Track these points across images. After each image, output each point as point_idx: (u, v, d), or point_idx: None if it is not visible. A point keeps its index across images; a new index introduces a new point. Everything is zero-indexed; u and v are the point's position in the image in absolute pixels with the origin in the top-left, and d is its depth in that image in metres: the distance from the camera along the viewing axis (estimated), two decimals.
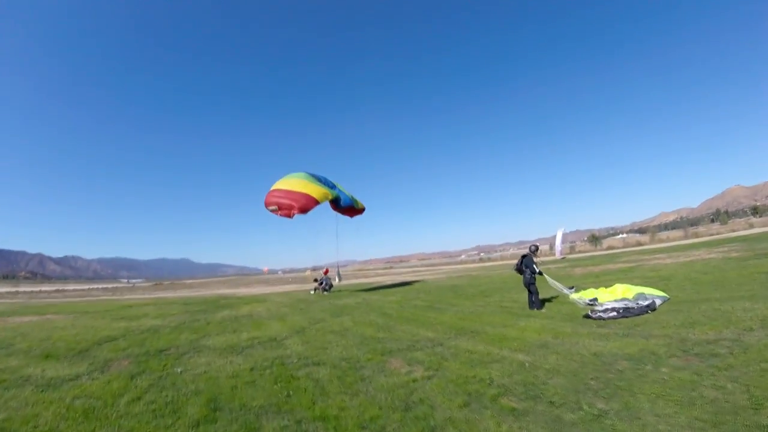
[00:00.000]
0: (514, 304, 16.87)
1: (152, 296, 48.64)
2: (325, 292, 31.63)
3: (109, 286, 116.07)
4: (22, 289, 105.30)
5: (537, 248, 16.47)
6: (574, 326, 11.44)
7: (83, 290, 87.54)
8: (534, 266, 15.35)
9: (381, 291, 30.72)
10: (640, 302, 12.96)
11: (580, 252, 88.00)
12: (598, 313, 12.43)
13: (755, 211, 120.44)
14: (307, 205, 25.32)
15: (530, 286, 15.19)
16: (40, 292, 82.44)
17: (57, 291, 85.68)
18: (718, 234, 72.01)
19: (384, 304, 20.31)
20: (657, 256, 35.71)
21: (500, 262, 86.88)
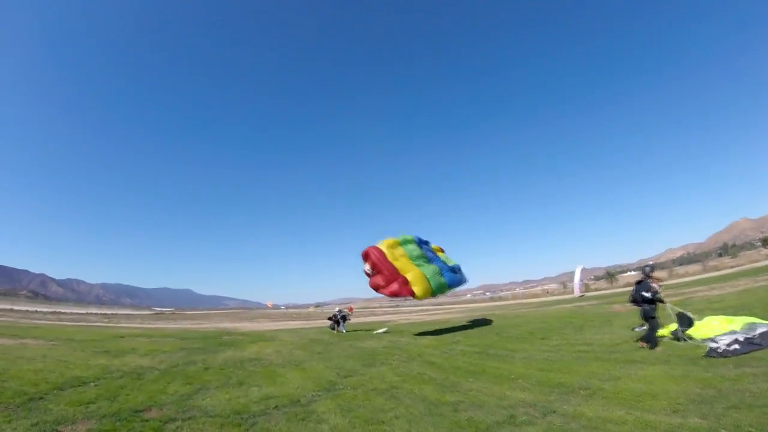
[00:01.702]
0: (588, 347, 14.14)
1: (150, 326, 45.02)
2: (338, 331, 28.15)
3: (108, 312, 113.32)
4: (18, 307, 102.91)
5: (653, 268, 13.24)
6: (713, 369, 9.31)
7: (80, 314, 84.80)
8: (653, 292, 12.55)
9: (404, 332, 26.84)
10: (759, 331, 10.83)
11: (596, 290, 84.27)
12: (723, 348, 10.48)
13: (765, 242, 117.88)
14: (399, 293, 22.04)
15: (651, 320, 12.54)
16: (36, 312, 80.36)
17: (53, 313, 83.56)
18: (739, 266, 68.68)
19: (421, 350, 16.84)
20: (697, 288, 33.62)
21: (513, 301, 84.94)
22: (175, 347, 19.48)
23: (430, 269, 23.00)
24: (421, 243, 25.37)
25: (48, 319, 53.13)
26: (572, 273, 71.92)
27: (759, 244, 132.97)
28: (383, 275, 22.00)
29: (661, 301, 12.96)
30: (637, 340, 12.94)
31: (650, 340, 12.43)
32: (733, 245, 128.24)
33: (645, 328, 15.47)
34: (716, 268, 78.47)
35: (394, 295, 21.51)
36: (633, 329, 16.32)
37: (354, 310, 32.03)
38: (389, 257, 22.32)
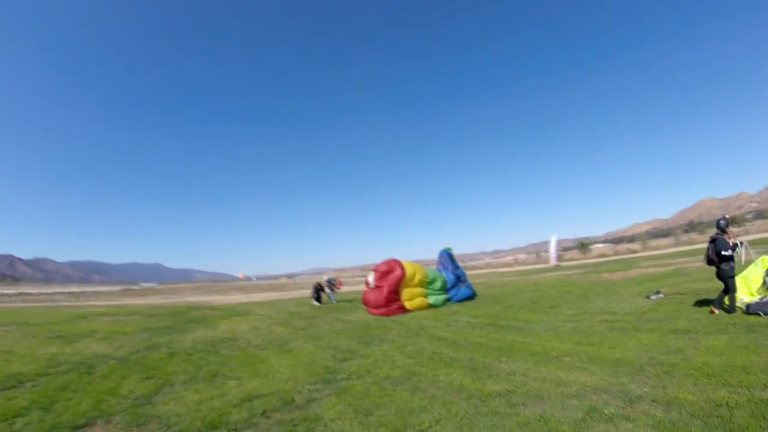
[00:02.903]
0: (613, 315, 12.54)
1: (117, 303, 42.04)
2: (317, 303, 25.73)
3: (77, 290, 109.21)
4: None
5: (728, 222, 11.37)
6: None
7: (47, 294, 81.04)
8: (731, 249, 10.61)
9: None
10: None
11: (570, 260, 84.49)
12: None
13: (733, 221, 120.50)
14: (387, 314, 18.12)
15: (729, 280, 10.64)
16: (1, 294, 76.70)
17: (18, 294, 79.99)
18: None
19: (420, 322, 14.96)
20: (683, 260, 32.35)
21: (488, 270, 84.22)
22: (138, 327, 17.19)
23: (438, 298, 20.25)
24: (447, 269, 22.39)
25: (12, 302, 49.12)
26: (540, 244, 72.61)
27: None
28: (384, 297, 18.69)
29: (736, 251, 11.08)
30: (712, 306, 11.00)
31: (728, 304, 10.67)
32: (700, 223, 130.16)
33: (661, 296, 14.51)
34: (690, 242, 79.21)
35: (381, 314, 18.26)
36: (648, 297, 14.97)
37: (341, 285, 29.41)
38: (404, 285, 19.18)
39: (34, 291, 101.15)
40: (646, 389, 6.07)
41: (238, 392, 7.39)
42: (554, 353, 8.78)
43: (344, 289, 28.19)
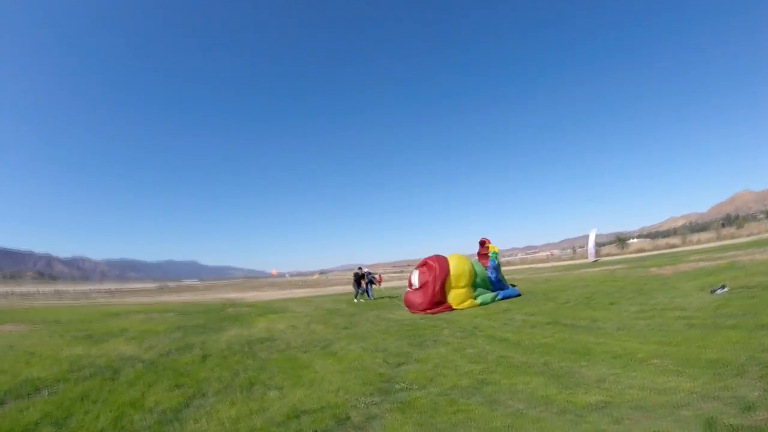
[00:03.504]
0: (683, 311, 11.23)
1: (151, 300, 41.82)
2: (362, 297, 24.95)
3: (113, 287, 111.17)
4: (20, 289, 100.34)
5: None
6: None
7: (83, 292, 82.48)
8: None
9: None
10: None
11: (607, 255, 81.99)
12: None
13: None
14: (435, 312, 16.76)
15: None
16: (38, 292, 78.12)
17: (55, 292, 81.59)
18: (752, 235, 65.93)
19: (472, 321, 13.59)
20: (732, 253, 29.67)
21: (524, 266, 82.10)
22: (171, 325, 16.39)
23: (486, 297, 18.49)
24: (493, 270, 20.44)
25: (48, 299, 49.55)
26: (574, 239, 71.13)
27: (763, 216, 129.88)
28: (428, 299, 17.27)
29: None
30: None
31: None
32: (737, 216, 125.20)
33: (726, 290, 13.30)
34: (732, 236, 76.50)
35: (426, 312, 16.81)
36: (713, 291, 13.56)
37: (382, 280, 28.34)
38: (449, 286, 17.64)
39: (70, 289, 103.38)
40: (757, 393, 4.93)
41: (282, 406, 6.20)
42: (639, 355, 7.53)
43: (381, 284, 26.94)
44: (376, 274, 27.71)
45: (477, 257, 22.67)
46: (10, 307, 31.12)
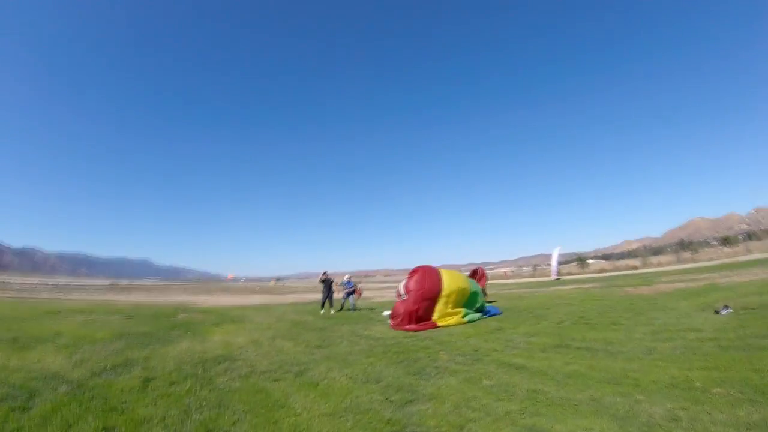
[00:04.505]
0: (698, 333, 10.61)
1: (98, 299, 38.51)
2: (325, 311, 22.21)
3: (62, 282, 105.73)
4: None
5: None
6: None
7: (30, 284, 77.72)
8: None
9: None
10: None
11: (569, 274, 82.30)
12: None
13: (726, 241, 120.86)
14: (419, 328, 14.64)
15: None
16: None
17: (1, 283, 77.08)
18: (711, 260, 67.43)
19: (466, 342, 11.64)
20: (706, 275, 31.28)
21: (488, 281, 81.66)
22: (113, 332, 14.07)
23: (474, 316, 16.73)
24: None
25: None
26: (530, 257, 72.04)
27: (716, 243, 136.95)
28: (413, 311, 15.35)
29: None
30: None
31: None
32: (690, 242, 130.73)
33: (730, 311, 13.14)
34: (694, 260, 78.60)
35: (408, 330, 14.69)
36: (717, 312, 13.20)
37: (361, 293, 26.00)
38: (441, 300, 15.82)
39: (17, 280, 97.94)
40: None
41: None
42: (696, 384, 6.44)
43: (337, 295, 24.62)
44: (357, 285, 25.23)
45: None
46: None
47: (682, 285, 25.37)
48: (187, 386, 7.49)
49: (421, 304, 15.27)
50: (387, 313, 19.58)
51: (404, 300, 15.99)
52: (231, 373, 8.50)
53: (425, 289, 15.57)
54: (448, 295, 15.76)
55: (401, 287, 16.69)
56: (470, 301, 16.85)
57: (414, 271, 16.79)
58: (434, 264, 18.24)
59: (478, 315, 16.80)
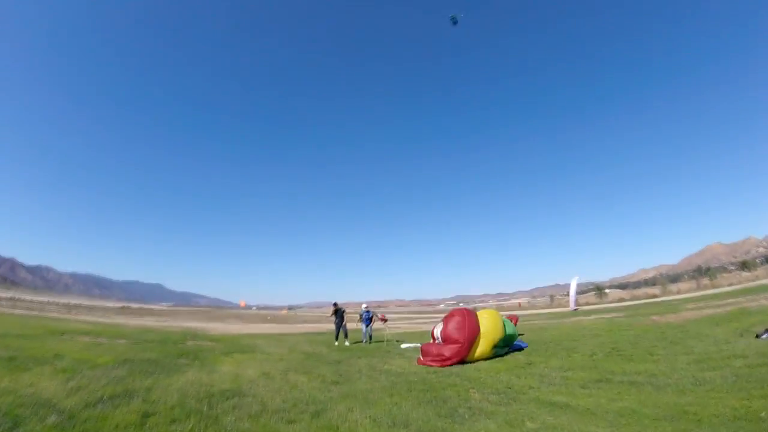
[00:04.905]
0: (744, 359, 10.05)
1: (107, 321, 37.94)
2: (338, 342, 21.49)
3: (73, 302, 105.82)
4: None
5: None
6: None
7: (40, 302, 77.75)
8: None
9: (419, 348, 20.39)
10: None
11: (587, 304, 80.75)
12: None
13: (744, 265, 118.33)
14: (443, 364, 13.83)
15: None
16: None
17: (10, 299, 77.54)
18: (732, 285, 65.99)
19: (501, 379, 10.47)
20: (731, 300, 30.61)
21: (503, 313, 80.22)
22: (117, 357, 13.17)
23: (500, 351, 15.66)
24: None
25: (1, 306, 46.52)
26: (545, 288, 71.32)
27: (733, 268, 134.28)
28: (446, 358, 14.28)
29: None
30: None
31: None
32: (708, 268, 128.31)
33: None
34: (714, 286, 77.26)
35: (431, 365, 13.99)
36: (758, 336, 12.96)
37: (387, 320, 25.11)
38: (477, 344, 14.75)
39: (28, 297, 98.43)
40: None
41: None
42: (762, 414, 5.98)
43: (354, 325, 23.66)
44: (380, 313, 24.31)
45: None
46: None
47: (709, 311, 24.65)
48: (190, 425, 6.56)
49: (459, 356, 14.23)
50: (405, 345, 18.54)
51: (439, 345, 14.93)
52: (239, 411, 7.52)
53: (464, 339, 14.34)
54: (486, 335, 14.73)
55: (438, 332, 15.34)
56: (505, 343, 15.84)
57: (451, 315, 15.69)
58: (451, 298, 17.21)
59: (505, 349, 15.76)
